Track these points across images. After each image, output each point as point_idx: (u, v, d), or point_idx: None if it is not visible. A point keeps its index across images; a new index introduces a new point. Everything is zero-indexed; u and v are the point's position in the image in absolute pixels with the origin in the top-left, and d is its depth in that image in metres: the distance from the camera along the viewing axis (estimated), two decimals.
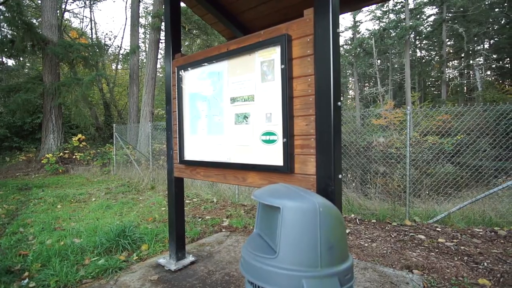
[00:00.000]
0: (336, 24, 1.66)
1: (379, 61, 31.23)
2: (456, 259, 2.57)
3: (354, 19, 32.08)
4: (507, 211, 3.62)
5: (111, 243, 2.95)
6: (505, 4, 23.44)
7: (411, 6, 27.20)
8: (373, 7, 30.81)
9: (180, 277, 2.34)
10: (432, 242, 2.94)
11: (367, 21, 39.72)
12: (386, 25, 27.28)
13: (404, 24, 23.98)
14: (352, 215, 3.85)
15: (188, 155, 2.48)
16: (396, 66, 30.57)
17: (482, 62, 24.33)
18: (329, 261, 1.13)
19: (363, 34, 30.69)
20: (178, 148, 2.54)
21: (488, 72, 25.56)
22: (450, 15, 25.49)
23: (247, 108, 2.02)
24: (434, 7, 27.34)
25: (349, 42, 32.93)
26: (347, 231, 3.34)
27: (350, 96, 35.11)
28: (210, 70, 2.31)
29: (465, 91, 24.94)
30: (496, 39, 26.06)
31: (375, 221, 3.63)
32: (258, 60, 1.96)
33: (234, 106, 2.10)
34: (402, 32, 23.44)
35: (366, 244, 2.97)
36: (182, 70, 2.54)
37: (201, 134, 2.37)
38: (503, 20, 24.94)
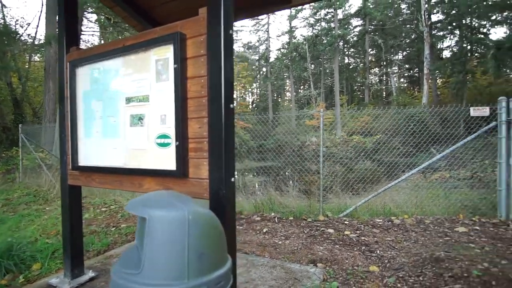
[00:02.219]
0: (228, 25, 1.64)
1: (313, 65, 33.30)
2: (355, 249, 2.81)
3: (290, 24, 33.63)
4: (402, 201, 4.13)
5: None
6: (414, 21, 27.00)
7: (340, 16, 29.61)
8: (307, 14, 32.70)
9: None
10: (338, 235, 3.18)
11: (301, 27, 41.93)
12: (318, 32, 29.23)
13: (333, 32, 25.99)
14: (273, 214, 3.96)
15: (83, 160, 2.23)
16: (327, 71, 32.93)
17: (397, 70, 27.78)
18: (199, 271, 1.08)
19: (298, 39, 32.31)
20: (71, 152, 2.26)
21: (401, 80, 29.28)
22: (372, 27, 28.46)
23: (142, 109, 1.88)
24: (359, 19, 30.23)
25: (286, 46, 34.39)
26: (265, 230, 3.41)
27: (287, 98, 36.71)
28: (106, 67, 2.11)
29: (384, 95, 28.12)
30: (408, 51, 30.00)
31: (292, 218, 3.79)
32: (153, 58, 1.84)
33: (129, 107, 1.95)
34: (332, 39, 25.39)
35: (280, 242, 3.07)
36: (76, 66, 2.28)
37: (96, 137, 2.15)
38: (413, 35, 28.80)
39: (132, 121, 1.93)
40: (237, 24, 39.70)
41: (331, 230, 3.32)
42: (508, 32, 20.09)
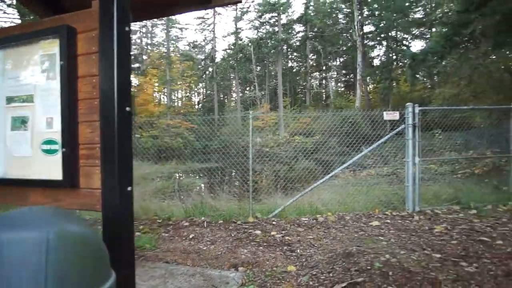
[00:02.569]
0: (124, 21, 1.51)
1: (258, 67, 33.92)
2: (278, 250, 2.87)
3: (236, 26, 33.73)
4: (328, 199, 4.38)
5: None
6: (350, 31, 29.24)
7: (284, 21, 30.66)
8: (252, 17, 33.17)
9: None
10: (264, 236, 3.22)
11: (247, 29, 42.40)
12: (263, 35, 29.88)
13: (277, 36, 26.82)
14: (203, 218, 3.87)
15: None
16: (273, 73, 33.86)
17: (335, 75, 29.82)
18: None
19: (244, 41, 32.58)
20: None
21: (339, 84, 31.52)
22: (312, 33, 30.05)
23: (25, 110, 1.64)
24: (301, 25, 31.68)
25: (232, 47, 34.42)
26: (191, 236, 3.31)
27: (233, 99, 36.81)
28: None
29: (323, 98, 29.95)
30: (344, 57, 32.41)
31: (222, 221, 3.75)
32: (39, 53, 1.62)
33: (10, 108, 1.68)
34: (276, 43, 26.18)
35: (205, 248, 2.99)
36: None
37: None
38: (349, 43, 31.19)
39: (13, 124, 1.67)
40: (182, 22, 38.49)
41: (258, 232, 3.36)
42: (424, 45, 23.00)
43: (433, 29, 20.11)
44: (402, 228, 3.40)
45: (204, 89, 41.40)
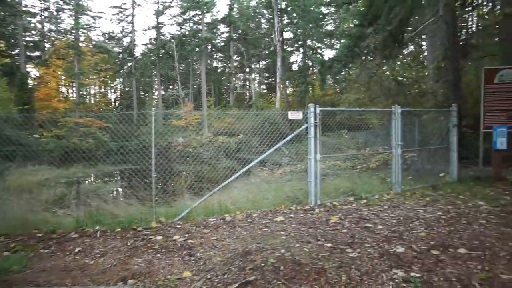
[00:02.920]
0: None
1: (183, 65, 32.72)
2: (176, 255, 2.71)
3: (157, 20, 31.86)
4: (238, 198, 4.39)
5: None
6: (271, 36, 30.61)
7: (208, 20, 30.25)
8: (175, 12, 31.83)
9: None
10: (165, 242, 3.01)
11: (169, 25, 40.56)
12: (186, 32, 28.96)
13: (201, 35, 26.30)
14: (97, 227, 3.43)
15: None
16: (197, 72, 33.12)
17: (258, 77, 30.89)
18: None
19: (166, 37, 31.02)
20: None
21: (262, 86, 32.81)
22: (236, 35, 30.47)
23: None
24: (226, 25, 31.79)
25: (153, 42, 32.40)
26: (78, 249, 2.88)
27: (155, 97, 34.76)
28: None
29: (247, 99, 30.72)
30: (266, 61, 33.83)
31: (119, 229, 3.38)
32: None
33: None
34: (200, 41, 25.65)
35: (91, 262, 2.63)
36: None
37: None
38: (271, 48, 32.66)
39: None
40: (95, 10, 34.56)
41: (159, 238, 3.12)
42: (335, 54, 25.70)
43: (342, 40, 22.60)
44: (303, 222, 3.60)
45: (122, 85, 38.00)
